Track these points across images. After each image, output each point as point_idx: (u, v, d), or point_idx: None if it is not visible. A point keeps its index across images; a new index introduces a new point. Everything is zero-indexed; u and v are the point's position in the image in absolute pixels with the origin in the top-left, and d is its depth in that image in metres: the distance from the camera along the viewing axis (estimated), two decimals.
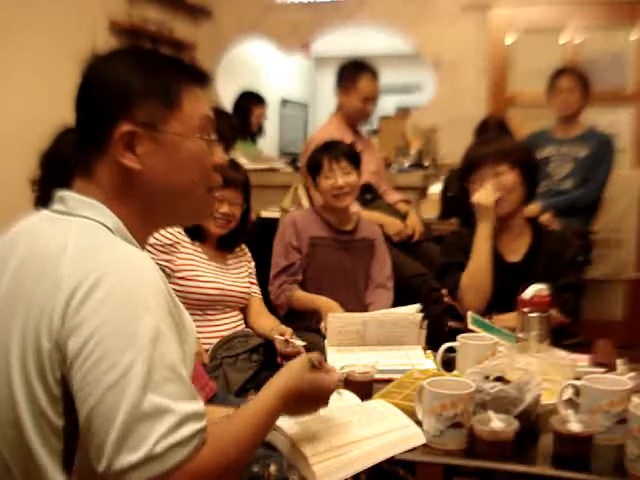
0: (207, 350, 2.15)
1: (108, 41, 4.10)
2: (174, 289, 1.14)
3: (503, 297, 2.05)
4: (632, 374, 1.48)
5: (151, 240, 2.17)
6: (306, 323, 2.42)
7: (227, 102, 5.06)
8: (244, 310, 2.38)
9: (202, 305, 2.23)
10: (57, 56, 3.73)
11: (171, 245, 2.24)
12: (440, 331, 2.19)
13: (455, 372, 1.67)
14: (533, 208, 3.08)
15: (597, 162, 3.67)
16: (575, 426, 1.22)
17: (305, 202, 3.29)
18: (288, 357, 1.98)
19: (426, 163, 4.31)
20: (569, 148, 3.71)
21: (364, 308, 2.52)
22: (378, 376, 1.60)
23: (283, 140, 7.30)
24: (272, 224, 3.37)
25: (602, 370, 1.60)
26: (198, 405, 0.92)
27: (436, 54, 4.94)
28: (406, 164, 4.22)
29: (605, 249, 4.01)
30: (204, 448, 0.90)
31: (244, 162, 3.30)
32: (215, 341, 2.18)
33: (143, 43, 4.16)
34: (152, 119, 1.03)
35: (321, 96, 7.78)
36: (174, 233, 2.25)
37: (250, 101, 4.92)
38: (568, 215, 3.50)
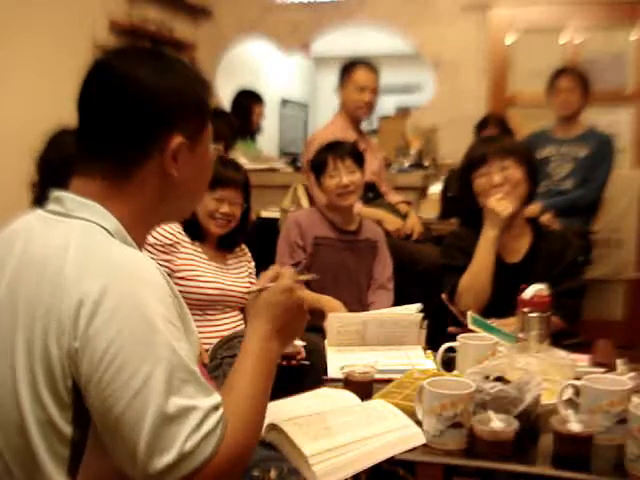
0: (207, 350, 2.15)
1: (108, 41, 4.10)
2: None
3: (503, 298, 2.03)
4: (632, 374, 1.48)
5: (151, 240, 2.18)
6: (310, 321, 2.41)
7: (227, 102, 5.05)
8: (244, 310, 2.38)
9: (202, 305, 2.23)
10: (57, 56, 3.73)
11: (171, 245, 2.24)
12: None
13: (455, 372, 1.67)
14: (533, 208, 3.07)
15: (597, 162, 3.66)
16: (575, 426, 1.22)
17: (305, 202, 3.29)
18: (288, 357, 1.98)
19: (426, 163, 4.31)
20: (569, 148, 3.70)
21: (365, 308, 2.52)
22: (378, 376, 1.60)
23: (283, 140, 7.29)
24: (272, 224, 3.39)
25: (602, 370, 1.60)
26: (215, 397, 0.96)
27: (436, 54, 4.94)
28: (406, 164, 4.22)
29: (605, 249, 4.00)
30: (227, 432, 0.94)
31: (244, 162, 3.31)
32: (215, 341, 2.18)
33: (143, 43, 4.15)
34: (194, 132, 1.07)
35: (321, 96, 7.78)
36: (174, 233, 2.25)
37: (250, 99, 4.91)
38: (568, 215, 3.49)
